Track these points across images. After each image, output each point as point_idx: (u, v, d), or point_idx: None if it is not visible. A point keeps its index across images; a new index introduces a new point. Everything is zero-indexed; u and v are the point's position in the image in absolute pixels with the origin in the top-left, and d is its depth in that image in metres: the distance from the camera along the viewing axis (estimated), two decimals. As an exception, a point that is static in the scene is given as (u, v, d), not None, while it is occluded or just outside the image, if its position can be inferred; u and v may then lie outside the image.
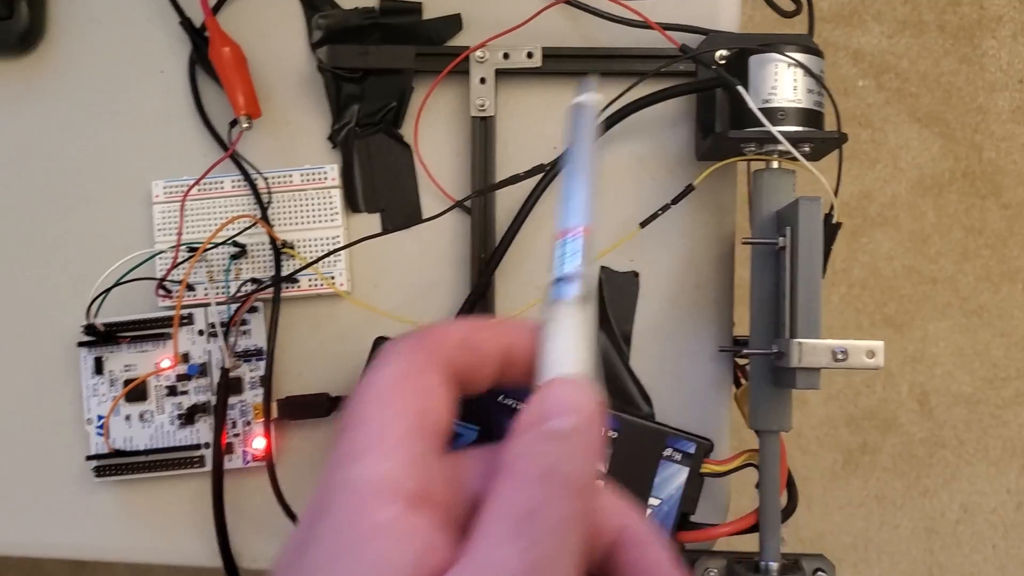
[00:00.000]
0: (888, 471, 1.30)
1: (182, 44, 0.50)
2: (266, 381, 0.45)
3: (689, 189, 0.43)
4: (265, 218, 0.47)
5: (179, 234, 0.46)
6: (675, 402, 0.47)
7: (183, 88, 0.50)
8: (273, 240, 0.46)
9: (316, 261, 0.45)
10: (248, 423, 0.47)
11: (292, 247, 0.47)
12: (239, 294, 0.46)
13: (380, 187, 0.48)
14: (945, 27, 1.35)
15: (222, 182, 0.48)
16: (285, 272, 0.46)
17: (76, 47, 0.50)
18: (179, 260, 0.46)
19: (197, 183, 0.47)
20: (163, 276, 0.46)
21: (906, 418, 1.31)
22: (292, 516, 0.45)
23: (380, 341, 0.42)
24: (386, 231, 0.48)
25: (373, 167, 0.48)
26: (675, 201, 0.43)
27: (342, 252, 0.47)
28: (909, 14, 1.37)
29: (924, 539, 1.29)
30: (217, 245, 0.47)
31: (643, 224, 0.44)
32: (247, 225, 0.46)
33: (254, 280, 0.46)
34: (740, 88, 0.40)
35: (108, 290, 0.46)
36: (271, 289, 0.46)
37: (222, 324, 0.46)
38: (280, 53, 0.49)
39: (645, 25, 0.46)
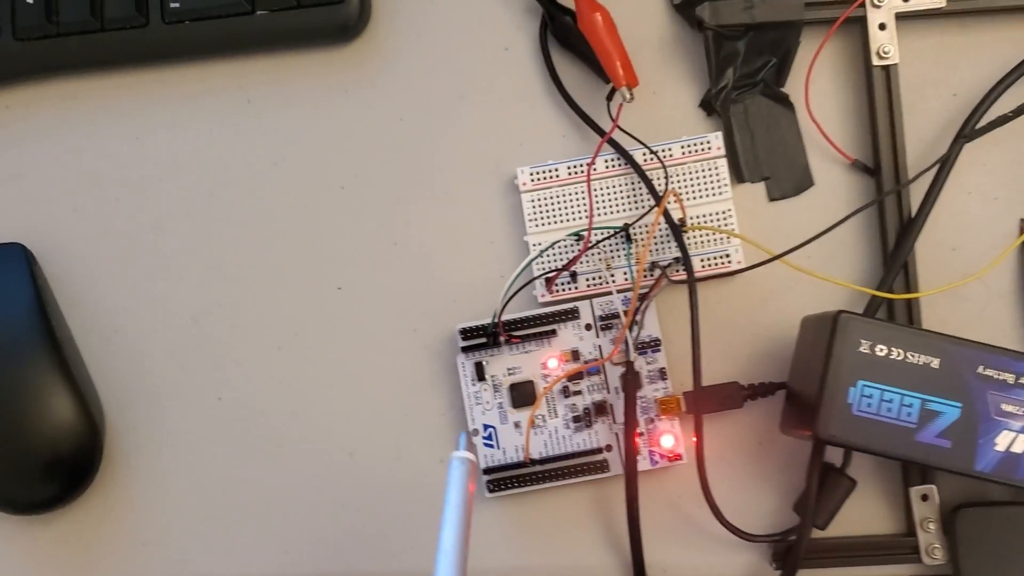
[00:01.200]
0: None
1: (526, 17, 0.46)
2: (695, 370, 0.41)
3: None
4: (657, 198, 0.42)
5: (590, 218, 0.42)
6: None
7: (531, 65, 0.46)
8: (670, 218, 0.42)
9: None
10: (651, 420, 0.43)
11: (685, 226, 0.43)
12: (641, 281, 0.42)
13: (762, 153, 0.44)
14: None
15: (592, 162, 0.44)
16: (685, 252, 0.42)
17: (406, 29, 0.46)
18: (590, 244, 0.42)
19: (592, 162, 0.43)
20: (565, 267, 0.42)
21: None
22: (721, 518, 0.41)
23: (842, 314, 0.38)
24: (773, 199, 0.44)
25: (752, 131, 0.44)
26: None
27: (734, 225, 0.43)
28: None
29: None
30: (614, 233, 0.43)
31: None
32: (653, 205, 0.42)
33: (654, 264, 0.42)
34: None
35: (516, 291, 0.42)
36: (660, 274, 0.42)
37: (626, 314, 0.42)
38: (632, 18, 0.45)
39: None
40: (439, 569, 0.32)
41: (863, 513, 0.43)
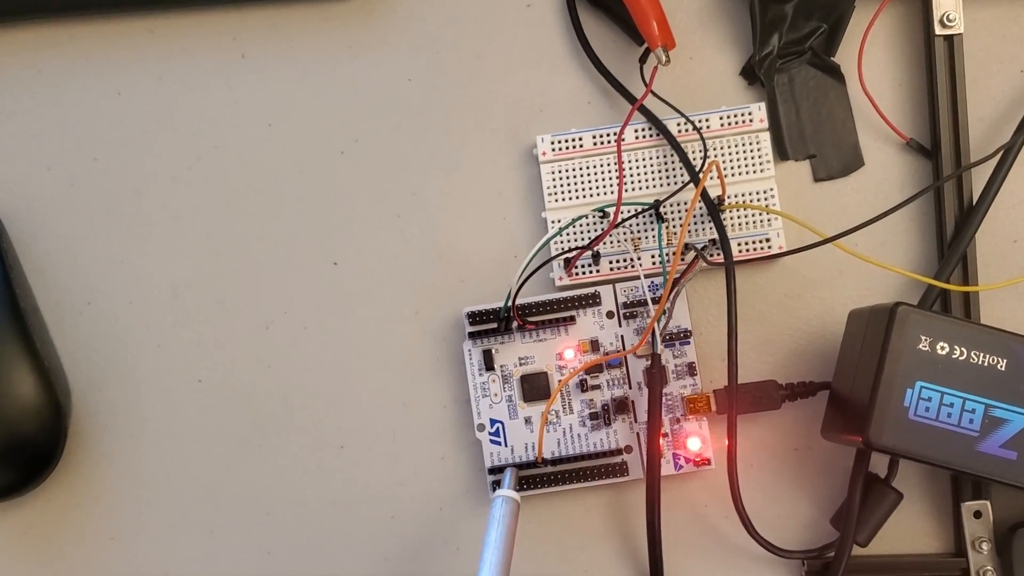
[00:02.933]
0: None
1: (551, -29, 0.41)
2: (730, 364, 0.36)
3: None
4: (693, 172, 0.38)
5: (619, 191, 0.38)
6: None
7: (556, 23, 0.41)
8: (707, 196, 0.38)
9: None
10: (677, 420, 0.39)
11: (723, 204, 0.39)
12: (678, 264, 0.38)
13: (808, 128, 0.40)
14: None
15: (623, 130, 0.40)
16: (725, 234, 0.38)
17: (418, -17, 0.42)
18: (617, 222, 0.37)
19: (623, 130, 0.38)
20: (589, 245, 0.38)
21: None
22: (752, 530, 0.37)
23: (901, 306, 0.34)
24: (819, 180, 0.40)
25: (798, 104, 0.40)
26: None
27: (776, 206, 0.39)
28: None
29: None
30: (645, 210, 0.38)
31: None
32: (688, 181, 0.38)
33: (688, 246, 0.38)
34: None
35: (533, 271, 0.37)
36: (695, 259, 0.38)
37: (654, 300, 0.38)
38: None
39: None
40: None
41: (908, 530, 0.39)
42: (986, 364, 0.34)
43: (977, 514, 0.38)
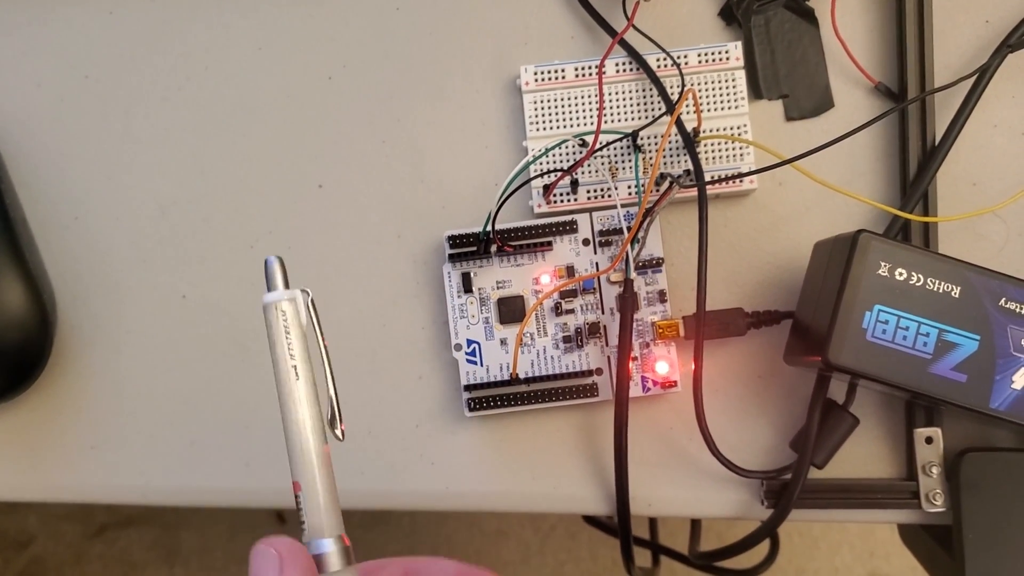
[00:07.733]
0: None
1: (540, -92, 0.42)
2: (699, 288, 0.38)
3: None
4: (670, 103, 0.40)
5: (599, 119, 0.39)
6: None
7: (542, -41, 0.42)
8: (682, 126, 0.39)
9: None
10: (647, 345, 0.40)
11: (698, 137, 0.40)
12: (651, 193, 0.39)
13: (782, 69, 0.42)
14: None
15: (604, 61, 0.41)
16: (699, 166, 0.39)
17: (409, -85, 0.43)
18: (596, 148, 0.39)
19: (604, 60, 0.40)
20: (568, 169, 0.39)
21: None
22: (715, 450, 0.39)
23: (863, 233, 0.35)
24: (791, 119, 0.42)
25: (773, 46, 0.42)
26: None
27: (749, 145, 0.40)
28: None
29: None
30: (622, 137, 0.40)
31: None
32: (664, 112, 0.39)
33: (663, 175, 0.40)
34: None
35: (512, 191, 0.39)
36: (670, 188, 0.39)
37: (629, 229, 0.40)
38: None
39: None
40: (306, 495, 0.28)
41: (863, 454, 0.41)
42: (941, 291, 0.35)
43: (928, 440, 0.40)
